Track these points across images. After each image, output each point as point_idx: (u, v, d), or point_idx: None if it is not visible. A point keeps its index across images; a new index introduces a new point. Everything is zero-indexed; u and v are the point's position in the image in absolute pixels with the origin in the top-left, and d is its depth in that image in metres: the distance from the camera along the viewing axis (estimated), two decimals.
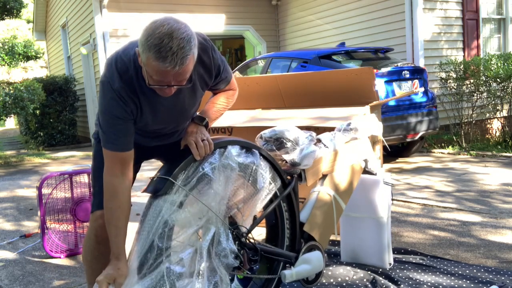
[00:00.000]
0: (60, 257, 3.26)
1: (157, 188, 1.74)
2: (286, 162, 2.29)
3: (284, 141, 2.31)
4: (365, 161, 2.71)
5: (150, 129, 1.87)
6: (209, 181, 1.83)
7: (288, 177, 2.23)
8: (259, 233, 3.11)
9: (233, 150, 1.93)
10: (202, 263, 1.77)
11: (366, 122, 2.73)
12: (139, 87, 1.69)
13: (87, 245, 1.98)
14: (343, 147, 2.58)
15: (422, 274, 2.63)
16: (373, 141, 3.25)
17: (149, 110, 1.76)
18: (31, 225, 4.09)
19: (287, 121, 3.40)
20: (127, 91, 1.67)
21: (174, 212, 1.73)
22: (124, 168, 1.73)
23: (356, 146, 2.65)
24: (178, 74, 1.54)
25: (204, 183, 1.83)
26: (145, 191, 1.78)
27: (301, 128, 2.58)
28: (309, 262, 2.18)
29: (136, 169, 2.00)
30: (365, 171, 2.73)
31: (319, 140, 2.55)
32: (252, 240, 2.02)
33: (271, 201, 2.11)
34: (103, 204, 1.79)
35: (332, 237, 3.16)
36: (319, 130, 2.89)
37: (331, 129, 2.89)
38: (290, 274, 2.11)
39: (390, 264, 2.76)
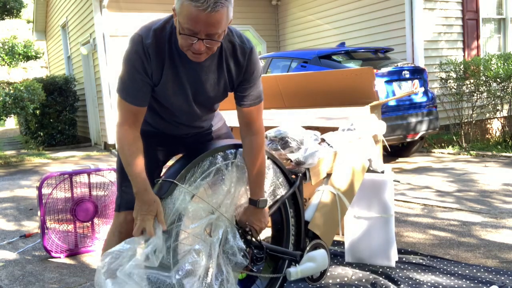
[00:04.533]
0: (60, 257, 3.26)
1: (162, 191, 1.75)
2: (291, 161, 2.30)
3: (289, 140, 2.32)
4: (369, 160, 2.72)
5: (170, 104, 1.86)
6: (222, 177, 1.85)
7: (293, 176, 2.24)
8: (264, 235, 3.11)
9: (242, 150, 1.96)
10: (210, 260, 1.78)
11: (369, 122, 2.74)
12: (168, 49, 1.72)
13: (111, 242, 1.98)
14: (347, 146, 2.59)
15: (422, 274, 2.63)
16: (374, 140, 3.25)
17: (171, 77, 1.76)
18: (31, 225, 4.09)
19: (287, 121, 3.40)
20: (156, 49, 1.69)
21: (186, 203, 1.75)
22: (135, 120, 1.76)
23: (359, 145, 2.65)
24: (209, 24, 1.55)
25: (217, 179, 1.85)
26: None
27: (323, 128, 2.58)
28: (314, 260, 2.19)
29: (162, 165, 2.03)
30: (369, 170, 2.73)
31: (323, 140, 2.56)
32: (258, 238, 2.03)
33: (276, 200, 2.11)
34: (130, 204, 1.81)
35: (334, 238, 3.15)
36: (319, 130, 2.89)
37: (332, 129, 2.90)
38: (295, 271, 2.12)
39: (396, 261, 2.77)
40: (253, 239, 2.00)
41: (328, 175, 2.51)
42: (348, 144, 2.61)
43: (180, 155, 1.98)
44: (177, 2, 1.59)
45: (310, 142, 2.40)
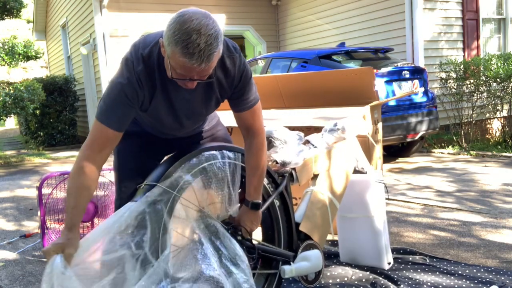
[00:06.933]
0: None
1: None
2: (277, 162, 2.29)
3: (273, 140, 2.31)
4: (355, 160, 2.72)
5: (159, 122, 1.85)
6: (207, 177, 1.85)
7: (280, 178, 2.24)
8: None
9: (229, 153, 1.96)
10: (211, 270, 1.76)
11: (353, 122, 2.73)
12: (158, 75, 1.67)
13: None
14: (332, 147, 2.58)
15: (422, 274, 2.63)
16: (374, 141, 3.26)
17: (162, 102, 1.74)
18: (31, 225, 4.09)
19: (287, 121, 3.40)
20: (147, 75, 1.65)
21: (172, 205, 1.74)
22: (104, 147, 1.68)
23: (345, 145, 2.65)
24: (203, 70, 1.53)
25: (202, 179, 1.84)
26: (133, 200, 1.77)
27: (301, 128, 2.58)
28: (308, 260, 2.19)
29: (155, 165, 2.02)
30: (356, 171, 2.72)
31: (307, 141, 2.55)
32: (249, 238, 2.03)
33: (263, 201, 2.10)
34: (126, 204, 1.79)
35: (331, 237, 3.15)
36: (319, 130, 2.89)
37: None
38: (289, 269, 2.12)
39: (389, 263, 2.75)
40: (244, 238, 2.00)
41: (315, 176, 2.51)
42: (333, 144, 2.60)
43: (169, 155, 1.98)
44: (168, 46, 1.51)
45: (294, 142, 2.40)
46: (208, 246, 1.79)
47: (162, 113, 1.78)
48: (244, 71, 1.79)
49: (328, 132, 2.64)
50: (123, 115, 1.68)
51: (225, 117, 2.35)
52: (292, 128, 2.51)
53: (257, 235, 2.24)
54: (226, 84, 1.77)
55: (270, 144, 2.29)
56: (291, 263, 2.17)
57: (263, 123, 1.94)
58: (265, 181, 2.12)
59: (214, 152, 1.92)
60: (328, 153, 2.55)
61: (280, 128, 2.43)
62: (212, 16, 1.53)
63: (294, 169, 2.32)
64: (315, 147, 2.52)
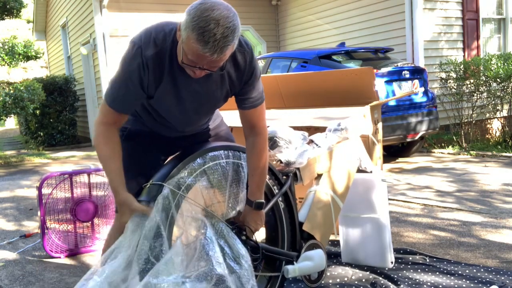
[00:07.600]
0: (60, 257, 3.26)
1: (152, 196, 1.74)
2: (281, 162, 2.29)
3: (277, 140, 2.32)
4: (359, 160, 2.72)
5: (166, 115, 1.84)
6: (211, 177, 1.85)
7: (284, 177, 2.24)
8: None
9: (234, 152, 1.96)
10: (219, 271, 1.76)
11: (356, 122, 2.74)
12: (169, 63, 1.67)
13: (111, 242, 1.97)
14: (335, 146, 2.59)
15: (422, 274, 2.63)
16: (374, 140, 3.26)
17: (170, 91, 1.74)
18: (31, 225, 4.09)
19: (287, 121, 3.40)
20: (156, 61, 1.65)
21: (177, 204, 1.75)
22: (115, 122, 1.75)
23: (348, 145, 2.66)
24: (214, 61, 1.54)
25: (207, 179, 1.85)
26: (139, 200, 1.77)
27: (301, 128, 2.58)
28: (311, 259, 2.20)
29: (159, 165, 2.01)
30: (359, 170, 2.73)
31: (311, 141, 2.56)
32: (253, 238, 2.03)
33: (268, 200, 2.10)
34: None
35: (332, 237, 3.15)
36: (319, 130, 2.89)
37: None
38: (292, 269, 2.12)
39: (392, 262, 2.76)
40: (248, 238, 2.00)
41: (319, 176, 2.51)
42: (336, 144, 2.61)
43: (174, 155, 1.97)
44: (184, 30, 1.52)
45: (299, 142, 2.40)
46: (213, 244, 1.79)
47: (169, 104, 1.78)
48: (255, 69, 1.80)
49: (332, 132, 2.64)
50: (128, 100, 1.71)
51: (226, 117, 2.35)
52: (292, 128, 2.52)
53: (261, 235, 2.24)
54: (236, 79, 1.78)
55: (275, 144, 2.30)
56: (294, 262, 2.18)
57: (266, 123, 1.94)
58: (270, 181, 2.12)
59: (219, 151, 1.92)
60: (331, 153, 2.55)
61: (285, 128, 2.43)
62: (233, 10, 1.54)
63: (298, 168, 2.32)
64: (319, 147, 2.53)
